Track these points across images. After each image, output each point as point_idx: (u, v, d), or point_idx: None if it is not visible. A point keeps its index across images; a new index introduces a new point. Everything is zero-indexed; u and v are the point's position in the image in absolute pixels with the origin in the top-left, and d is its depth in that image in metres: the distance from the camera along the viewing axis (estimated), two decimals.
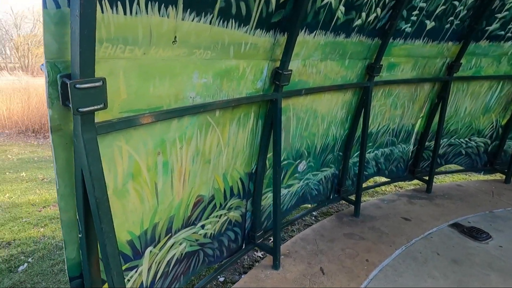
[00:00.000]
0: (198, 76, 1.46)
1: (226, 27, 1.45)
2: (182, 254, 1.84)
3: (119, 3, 0.96)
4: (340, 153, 3.10)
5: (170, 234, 1.70)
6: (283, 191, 2.63)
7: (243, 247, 2.39)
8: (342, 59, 2.45)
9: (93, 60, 0.88)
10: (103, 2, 0.92)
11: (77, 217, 1.12)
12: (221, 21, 1.40)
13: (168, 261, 1.75)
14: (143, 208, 1.47)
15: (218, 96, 1.64)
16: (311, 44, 2.09)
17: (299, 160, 2.68)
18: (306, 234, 2.80)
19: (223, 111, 1.74)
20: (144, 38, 1.11)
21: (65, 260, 1.20)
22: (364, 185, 3.37)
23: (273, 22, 1.72)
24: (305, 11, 1.76)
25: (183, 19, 1.21)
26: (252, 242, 2.42)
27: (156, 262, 1.66)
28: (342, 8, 2.07)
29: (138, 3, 1.02)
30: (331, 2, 1.96)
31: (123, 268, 1.44)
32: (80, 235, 1.15)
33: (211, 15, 1.33)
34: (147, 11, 1.06)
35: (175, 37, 1.23)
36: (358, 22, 2.25)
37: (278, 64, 1.93)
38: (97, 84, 0.92)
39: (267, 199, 2.46)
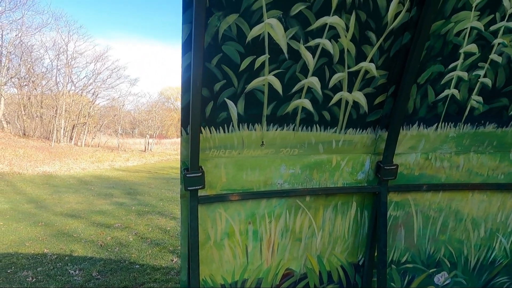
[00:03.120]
0: (286, 168, 1.85)
1: (311, 131, 1.79)
2: None
3: (220, 127, 1.63)
4: None
5: None
6: None
7: None
8: (499, 152, 1.95)
9: (197, 161, 1.56)
10: (211, 128, 1.61)
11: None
12: (304, 127, 1.77)
13: None
14: (235, 262, 1.93)
15: (308, 184, 1.91)
16: (432, 136, 1.91)
17: (434, 269, 2.18)
18: None
19: (315, 197, 1.97)
20: (238, 144, 1.70)
21: (180, 281, 1.86)
22: None
23: (370, 121, 1.84)
24: (406, 108, 1.75)
25: (267, 130, 1.72)
26: None
27: None
28: (477, 97, 1.79)
29: (232, 125, 1.65)
30: (453, 94, 1.78)
31: None
32: (186, 266, 1.78)
33: (293, 125, 1.74)
34: (239, 129, 1.67)
35: (262, 142, 1.74)
36: None
37: (381, 158, 1.93)
38: (199, 174, 1.58)
39: None
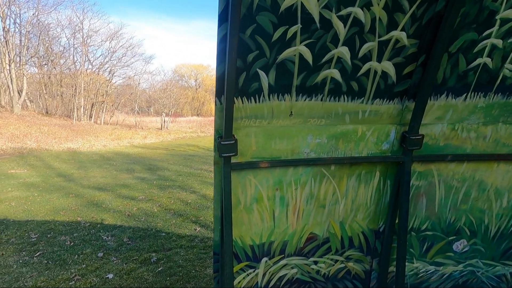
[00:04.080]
0: (312, 138, 1.92)
1: (338, 101, 1.84)
2: (293, 277, 2.24)
3: (251, 97, 1.70)
4: None
5: (283, 255, 2.17)
6: (428, 267, 2.31)
7: None
8: None
9: (231, 129, 1.66)
10: (243, 98, 1.69)
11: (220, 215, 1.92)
12: (332, 98, 1.81)
13: (280, 277, 2.21)
14: (263, 225, 2.07)
15: (334, 153, 1.99)
16: (460, 107, 1.92)
17: (453, 237, 2.26)
18: None
19: (339, 166, 2.05)
20: (268, 114, 1.78)
21: (213, 240, 2.03)
22: None
23: (398, 91, 1.86)
24: (435, 78, 1.76)
25: (296, 101, 1.78)
26: None
27: (269, 272, 2.18)
28: (510, 66, 1.77)
29: (263, 96, 1.71)
30: (485, 63, 1.77)
31: (244, 264, 2.10)
32: (219, 227, 1.94)
33: (321, 95, 1.79)
34: (269, 99, 1.73)
35: (291, 112, 1.81)
36: None
37: (407, 128, 1.96)
38: (232, 141, 1.68)
39: None
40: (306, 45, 1.60)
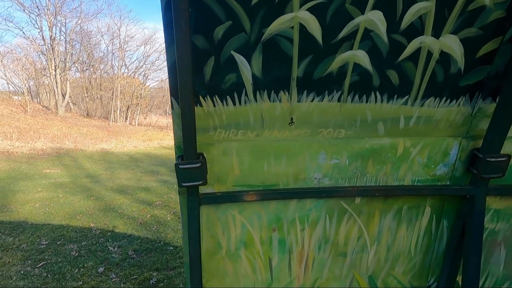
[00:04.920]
0: (326, 157, 1.28)
1: (366, 102, 1.18)
2: None
3: (227, 97, 1.11)
4: None
5: None
6: None
7: None
8: None
9: (194, 145, 1.08)
10: (214, 98, 1.11)
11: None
12: (356, 96, 1.16)
13: None
14: (255, 278, 1.47)
15: (359, 180, 1.33)
16: None
17: None
18: None
19: (369, 199, 1.38)
20: (256, 122, 1.18)
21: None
22: None
23: (466, 85, 1.16)
24: None
25: (299, 101, 1.15)
26: None
27: None
28: None
29: (246, 93, 1.12)
30: None
31: None
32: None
33: (339, 92, 1.15)
34: (256, 99, 1.13)
35: (291, 119, 1.19)
36: None
37: (479, 143, 1.24)
38: (196, 165, 1.10)
39: None
40: (309, 10, 0.98)
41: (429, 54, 1.08)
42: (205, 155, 1.18)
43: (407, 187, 1.33)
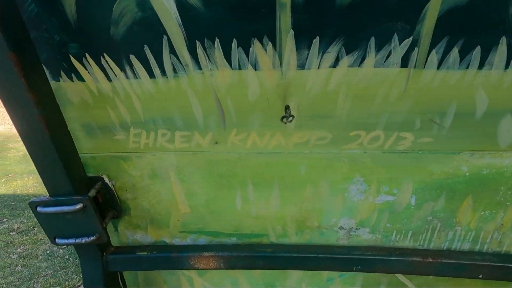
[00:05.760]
0: (367, 188, 0.60)
1: (480, 69, 0.46)
2: None
3: (134, 58, 0.49)
4: None
5: None
6: None
7: None
8: None
9: (73, 164, 0.50)
10: (104, 61, 0.50)
11: None
12: (451, 55, 0.45)
13: None
14: None
15: (439, 237, 0.63)
16: None
17: None
18: None
19: (458, 281, 0.67)
20: (209, 114, 0.54)
21: None
22: None
23: None
24: None
25: (302, 67, 0.48)
26: None
27: None
28: None
29: (173, 52, 0.48)
30: None
31: None
32: None
33: (407, 41, 0.45)
34: (198, 65, 0.49)
35: (286, 108, 0.53)
36: None
37: None
38: (76, 206, 0.52)
39: None
40: None
41: None
42: (110, 179, 0.60)
43: None
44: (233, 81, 0.50)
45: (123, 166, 0.60)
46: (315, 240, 0.66)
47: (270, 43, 0.45)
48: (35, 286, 3.02)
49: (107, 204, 0.60)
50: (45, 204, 0.52)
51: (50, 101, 0.47)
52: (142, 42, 0.47)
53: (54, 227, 0.55)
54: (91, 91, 0.52)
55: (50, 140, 0.46)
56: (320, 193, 0.61)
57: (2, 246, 3.62)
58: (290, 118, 0.54)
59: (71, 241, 0.55)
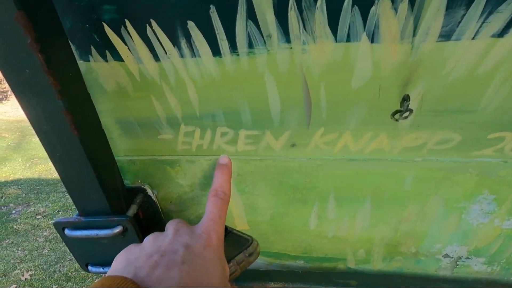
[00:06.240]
0: (494, 207, 0.44)
1: None
2: None
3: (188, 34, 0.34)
4: None
5: None
6: None
7: None
8: None
9: (107, 170, 0.37)
10: (149, 35, 0.35)
11: None
12: None
13: None
14: None
15: None
16: None
17: None
18: None
19: None
20: (292, 108, 0.39)
21: None
22: None
23: None
24: None
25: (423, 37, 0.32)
26: None
27: None
28: None
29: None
30: None
31: None
32: None
33: None
34: (265, 43, 0.33)
35: (406, 97, 0.37)
36: None
37: None
38: (116, 229, 0.39)
39: None
40: None
41: None
42: (152, 188, 0.46)
43: None
44: (333, 60, 0.34)
45: (169, 173, 0.46)
46: (408, 268, 0.52)
47: (406, 0, 0.29)
48: (61, 269, 3.06)
49: (150, 221, 0.47)
50: (75, 225, 0.40)
51: (79, 89, 0.33)
52: (206, 1, 0.31)
53: (86, 253, 0.43)
54: (130, 75, 0.37)
55: (79, 144, 0.32)
56: (428, 212, 0.46)
57: (30, 229, 3.68)
58: (407, 114, 0.38)
59: (108, 269, 0.42)
